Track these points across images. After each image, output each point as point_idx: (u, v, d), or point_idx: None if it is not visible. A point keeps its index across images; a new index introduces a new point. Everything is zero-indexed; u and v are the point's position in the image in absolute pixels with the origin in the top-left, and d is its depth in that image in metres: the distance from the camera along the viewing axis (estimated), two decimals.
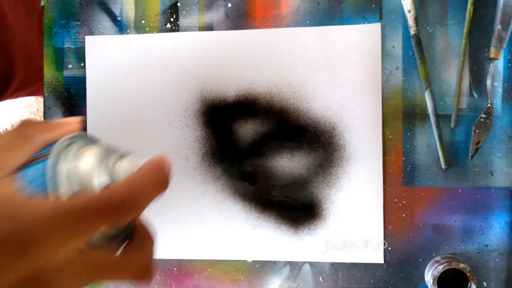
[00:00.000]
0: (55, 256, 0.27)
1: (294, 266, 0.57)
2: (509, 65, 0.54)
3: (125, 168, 0.31)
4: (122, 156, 0.32)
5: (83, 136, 0.33)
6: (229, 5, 0.58)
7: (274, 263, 0.58)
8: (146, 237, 0.33)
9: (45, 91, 0.60)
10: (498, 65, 0.54)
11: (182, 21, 0.58)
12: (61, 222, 0.27)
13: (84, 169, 0.30)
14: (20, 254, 0.26)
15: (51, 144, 0.31)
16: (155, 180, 0.31)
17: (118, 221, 0.28)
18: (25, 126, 0.32)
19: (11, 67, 0.72)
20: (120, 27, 0.59)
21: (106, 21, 0.59)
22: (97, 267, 0.29)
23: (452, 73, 0.55)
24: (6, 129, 1.49)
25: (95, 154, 0.31)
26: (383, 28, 0.55)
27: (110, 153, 0.32)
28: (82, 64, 0.60)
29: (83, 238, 0.27)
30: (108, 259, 0.30)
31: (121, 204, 0.28)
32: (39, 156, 0.31)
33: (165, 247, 0.59)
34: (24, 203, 0.27)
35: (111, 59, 0.59)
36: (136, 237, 0.33)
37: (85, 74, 0.60)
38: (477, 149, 0.53)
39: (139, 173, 0.30)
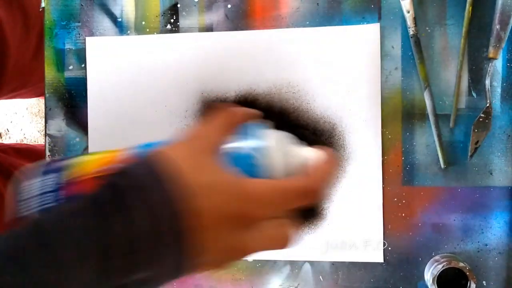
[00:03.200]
0: (265, 228, 0.33)
1: (295, 266, 0.58)
2: (508, 64, 0.54)
3: (306, 154, 0.36)
4: (296, 142, 0.37)
5: (259, 124, 0.38)
6: (229, 6, 0.58)
7: (274, 262, 0.58)
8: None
9: (46, 92, 0.61)
10: (497, 65, 0.54)
11: (182, 22, 0.59)
12: (276, 201, 0.33)
13: (279, 154, 0.35)
14: (243, 229, 0.32)
15: (238, 130, 0.36)
16: (333, 171, 0.37)
17: (313, 201, 0.34)
18: (226, 112, 0.37)
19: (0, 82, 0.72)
20: (121, 28, 0.60)
21: (106, 22, 0.60)
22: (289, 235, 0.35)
23: (451, 73, 0.55)
24: (7, 129, 1.49)
25: (280, 140, 0.36)
26: (382, 29, 0.55)
27: (288, 139, 0.37)
28: (82, 65, 0.60)
29: (287, 213, 0.34)
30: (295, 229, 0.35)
31: (317, 190, 0.34)
32: (234, 142, 0.35)
33: None
34: (247, 183, 0.32)
35: (111, 60, 0.59)
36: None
37: (85, 75, 0.60)
38: (476, 148, 0.53)
39: (324, 163, 0.36)
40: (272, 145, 0.35)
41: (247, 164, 0.34)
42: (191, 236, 0.30)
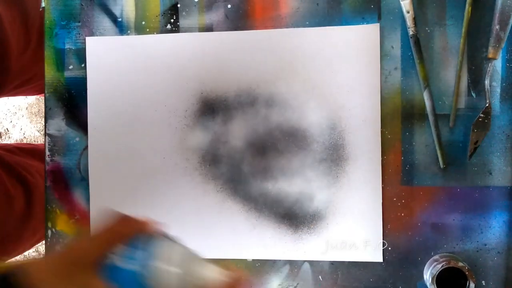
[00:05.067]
0: None
1: (294, 265, 0.58)
2: (507, 65, 0.54)
3: (206, 275, 0.33)
4: (199, 260, 0.34)
5: (160, 236, 0.34)
6: (229, 6, 0.58)
7: (274, 262, 0.58)
8: None
9: (46, 92, 0.61)
10: (497, 65, 0.54)
11: (182, 22, 0.59)
12: None
13: (171, 273, 0.32)
14: None
15: (130, 241, 0.33)
16: None
17: None
18: (114, 221, 0.34)
19: (2, 80, 0.72)
20: (121, 28, 0.60)
21: (106, 22, 0.60)
22: None
23: (451, 73, 0.55)
24: (7, 129, 1.49)
25: (177, 257, 0.33)
26: (382, 29, 0.55)
27: (189, 257, 0.34)
28: (82, 65, 0.60)
29: None
30: None
31: None
32: (122, 254, 0.32)
33: None
34: None
35: (111, 60, 0.59)
36: None
37: (85, 75, 0.60)
38: (475, 148, 0.54)
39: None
40: (165, 263, 0.32)
41: (130, 282, 0.31)
42: None
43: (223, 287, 0.33)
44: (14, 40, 0.70)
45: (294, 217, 0.57)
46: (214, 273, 0.33)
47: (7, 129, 1.50)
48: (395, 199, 0.56)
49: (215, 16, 0.58)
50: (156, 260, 0.32)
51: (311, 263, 0.57)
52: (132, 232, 0.34)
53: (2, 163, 0.76)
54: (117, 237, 0.33)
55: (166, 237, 0.35)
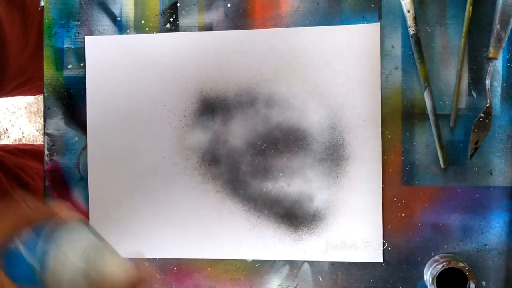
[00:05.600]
0: None
1: (294, 266, 0.58)
2: (508, 64, 0.54)
3: (108, 267, 0.32)
4: (104, 250, 0.32)
5: (69, 224, 0.33)
6: (229, 5, 0.58)
7: (273, 262, 0.58)
8: None
9: (45, 91, 0.61)
10: (497, 65, 0.54)
11: (182, 21, 0.59)
12: None
13: (70, 266, 0.30)
14: None
15: (37, 226, 0.31)
16: None
17: None
18: (15, 202, 0.32)
19: (0, 80, 0.72)
20: (120, 27, 0.59)
21: (105, 21, 0.60)
22: None
23: (451, 72, 0.55)
24: (6, 129, 1.49)
25: (79, 248, 0.31)
26: (382, 28, 0.55)
27: (93, 247, 0.32)
28: (82, 64, 0.60)
29: None
30: None
31: None
32: (24, 242, 0.31)
33: (165, 247, 0.59)
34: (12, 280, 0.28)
35: (111, 59, 0.59)
36: None
37: (85, 74, 0.60)
38: (476, 148, 0.53)
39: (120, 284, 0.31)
40: (65, 255, 0.31)
41: (26, 273, 0.30)
42: None
43: (121, 285, 0.32)
44: (12, 40, 0.70)
45: (294, 217, 0.57)
46: (117, 268, 0.32)
47: (6, 128, 1.49)
48: (395, 199, 0.56)
49: (215, 15, 0.58)
50: (56, 251, 0.31)
51: (311, 263, 0.57)
52: (42, 217, 0.32)
53: (1, 165, 0.75)
54: (24, 221, 0.31)
55: (79, 225, 0.33)
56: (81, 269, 0.31)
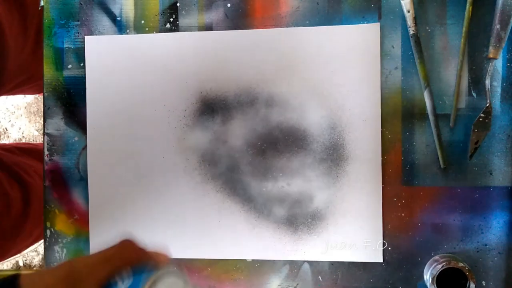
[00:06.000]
0: None
1: (294, 265, 0.58)
2: (508, 64, 0.54)
3: None
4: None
5: (169, 272, 0.34)
6: (229, 5, 0.58)
7: (273, 262, 0.58)
8: None
9: (45, 91, 0.61)
10: (497, 65, 0.54)
11: (182, 21, 0.59)
12: None
13: None
14: None
15: (137, 269, 0.33)
16: None
17: None
18: (124, 247, 0.33)
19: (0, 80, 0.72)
20: (120, 27, 0.59)
21: (105, 21, 0.60)
22: None
23: (451, 72, 0.55)
24: (5, 129, 1.49)
25: None
26: (382, 28, 0.55)
27: None
28: (81, 64, 0.60)
29: None
30: None
31: None
32: (128, 281, 0.32)
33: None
34: None
35: (110, 59, 0.59)
36: None
37: (84, 74, 0.60)
38: (476, 148, 0.53)
39: None
40: None
41: None
42: None
43: None
44: (12, 38, 0.70)
45: (294, 217, 0.57)
46: None
47: (6, 128, 1.49)
48: (395, 199, 0.56)
49: (215, 15, 0.58)
50: None
51: (311, 263, 0.57)
52: (139, 259, 0.33)
53: (0, 163, 0.75)
54: (123, 261, 0.33)
55: (175, 272, 0.35)
56: None
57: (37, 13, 0.73)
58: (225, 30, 0.58)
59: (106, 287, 0.32)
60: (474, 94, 0.54)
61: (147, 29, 0.59)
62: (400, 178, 0.56)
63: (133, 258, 0.33)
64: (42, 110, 0.61)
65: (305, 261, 0.57)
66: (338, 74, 0.56)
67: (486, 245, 0.55)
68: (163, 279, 0.33)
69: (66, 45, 0.60)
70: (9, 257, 0.79)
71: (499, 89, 0.54)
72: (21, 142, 1.47)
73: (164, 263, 0.35)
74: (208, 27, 0.58)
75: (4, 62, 0.70)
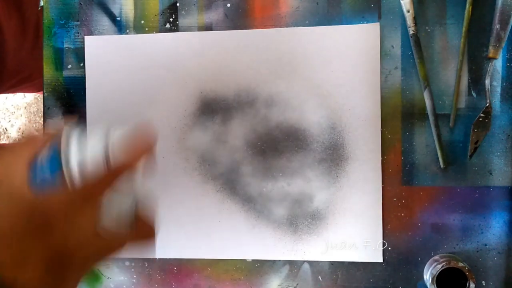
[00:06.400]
0: (74, 235, 0.32)
1: (294, 265, 0.58)
2: (508, 64, 0.54)
3: (117, 137, 0.35)
4: (113, 131, 0.36)
5: (77, 129, 0.36)
6: (228, 5, 0.58)
7: (273, 262, 0.58)
8: (146, 211, 0.38)
9: (44, 91, 0.61)
10: (497, 65, 0.54)
11: (182, 21, 0.59)
12: (74, 201, 0.32)
13: (80, 151, 0.34)
14: (43, 236, 0.31)
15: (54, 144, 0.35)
16: (143, 149, 0.36)
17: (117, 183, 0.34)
18: (28, 133, 0.36)
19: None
20: (120, 27, 0.59)
21: (105, 21, 0.60)
22: (110, 243, 0.34)
23: (451, 72, 0.55)
24: (5, 129, 1.49)
25: (90, 137, 0.35)
26: (382, 28, 0.55)
27: (104, 132, 0.36)
28: (81, 64, 0.60)
29: (94, 212, 0.33)
30: (119, 234, 0.35)
31: (118, 172, 0.34)
32: (46, 155, 0.34)
33: (165, 247, 0.59)
34: (40, 191, 0.32)
35: (110, 59, 0.59)
36: (139, 215, 0.37)
37: (84, 74, 0.60)
38: (475, 148, 0.53)
39: (130, 146, 0.35)
40: (68, 148, 0.34)
41: (47, 174, 0.33)
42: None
43: (133, 151, 0.35)
44: (10, 36, 0.70)
45: (294, 217, 0.57)
46: (123, 138, 0.35)
47: (5, 128, 1.49)
48: (395, 199, 0.56)
49: (215, 15, 0.58)
50: (64, 149, 0.34)
51: (311, 263, 0.57)
52: (50, 139, 0.36)
53: None
54: (38, 141, 0.35)
55: (73, 126, 0.37)
56: (93, 149, 0.34)
57: (36, 10, 0.73)
58: (225, 30, 0.58)
59: (31, 167, 0.33)
60: (474, 94, 0.54)
61: (147, 29, 0.59)
62: (400, 178, 0.56)
63: (41, 141, 0.35)
64: (42, 110, 0.61)
65: (305, 261, 0.57)
66: (338, 74, 0.56)
67: (486, 245, 0.55)
68: (74, 135, 0.35)
69: (66, 45, 0.60)
70: None
71: (499, 89, 0.54)
72: None
73: (73, 128, 0.37)
74: (208, 27, 0.58)
75: (3, 59, 0.70)
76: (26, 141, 0.36)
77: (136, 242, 0.36)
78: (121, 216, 0.35)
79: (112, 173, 0.34)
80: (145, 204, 0.37)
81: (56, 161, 0.34)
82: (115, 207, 0.35)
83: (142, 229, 0.37)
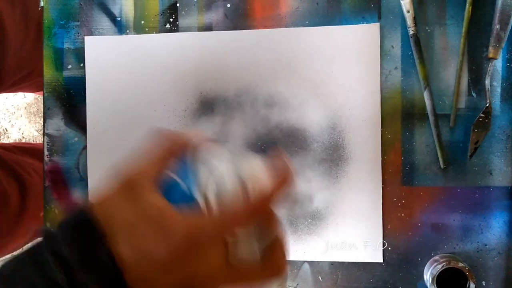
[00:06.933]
0: (208, 264, 0.31)
1: (294, 266, 0.58)
2: (508, 64, 0.54)
3: (253, 171, 0.34)
4: (244, 157, 0.35)
5: (212, 146, 0.35)
6: (228, 5, 0.58)
7: None
8: (279, 242, 0.36)
9: (44, 91, 0.61)
10: (497, 65, 0.54)
11: (182, 22, 0.59)
12: (211, 232, 0.31)
13: (221, 178, 0.33)
14: (179, 264, 0.30)
15: (181, 157, 0.34)
16: (283, 190, 0.34)
17: (257, 219, 0.33)
18: (161, 139, 0.34)
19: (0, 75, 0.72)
20: (120, 27, 0.59)
21: (105, 22, 0.60)
22: (241, 276, 0.33)
23: (451, 72, 0.55)
24: (5, 129, 1.49)
25: (226, 162, 0.33)
26: (382, 28, 0.55)
27: (238, 158, 0.34)
28: (81, 65, 0.60)
29: (231, 243, 0.32)
30: (251, 267, 0.33)
31: (261, 210, 0.33)
32: (178, 170, 0.33)
33: None
34: (177, 216, 0.30)
35: (110, 59, 0.59)
36: (272, 245, 0.35)
37: (84, 75, 0.60)
38: (475, 148, 0.53)
39: (270, 185, 0.34)
40: (210, 173, 0.33)
41: (184, 195, 0.32)
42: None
43: (275, 184, 0.34)
44: (12, 33, 0.70)
45: (293, 217, 0.57)
46: (261, 168, 0.34)
47: (5, 129, 1.49)
48: (395, 199, 0.56)
49: (215, 15, 0.58)
50: (203, 168, 0.33)
51: (311, 263, 0.57)
52: (182, 147, 0.34)
53: None
54: (169, 154, 0.34)
55: (214, 145, 0.36)
56: (232, 178, 0.33)
57: (38, 8, 0.73)
58: (225, 30, 0.58)
59: (161, 182, 0.32)
60: (474, 94, 0.54)
61: (147, 29, 0.59)
62: (400, 178, 0.55)
63: (174, 148, 0.34)
64: (42, 110, 0.61)
65: (305, 261, 0.57)
66: (338, 74, 0.56)
67: (486, 245, 0.55)
68: (210, 154, 0.34)
69: (66, 45, 0.60)
70: (7, 254, 0.79)
71: (498, 89, 0.54)
72: (20, 142, 1.47)
73: (205, 142, 0.36)
74: (208, 28, 0.58)
75: (4, 57, 0.70)
76: (157, 147, 0.34)
77: (268, 276, 0.34)
78: (255, 250, 0.34)
79: (253, 207, 0.32)
80: (279, 237, 0.36)
81: (193, 183, 0.32)
82: (251, 240, 0.33)
83: (274, 263, 0.35)
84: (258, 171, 0.34)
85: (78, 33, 0.60)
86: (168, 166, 0.33)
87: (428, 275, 0.52)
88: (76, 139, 0.60)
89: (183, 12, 0.58)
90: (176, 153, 0.34)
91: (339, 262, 0.57)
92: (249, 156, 0.35)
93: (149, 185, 0.31)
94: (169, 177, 0.33)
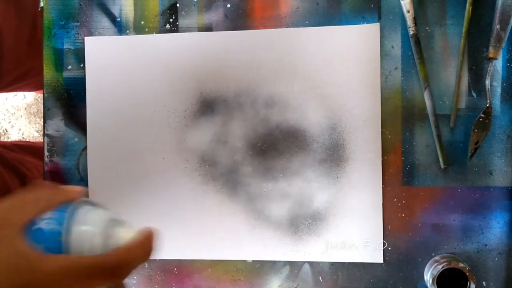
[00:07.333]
0: None
1: (294, 266, 0.58)
2: (508, 64, 0.54)
3: (123, 235, 0.37)
4: (120, 223, 0.38)
5: (87, 202, 0.38)
6: (228, 5, 0.58)
7: (274, 263, 0.58)
8: None
9: (44, 92, 0.61)
10: (497, 65, 0.54)
11: (182, 22, 0.59)
12: (71, 277, 0.32)
13: (90, 233, 0.36)
14: None
15: (57, 207, 0.36)
16: (145, 253, 0.37)
17: (113, 281, 0.35)
18: (35, 188, 0.36)
19: None
20: (120, 28, 0.59)
21: (105, 22, 0.60)
22: None
23: (451, 73, 0.55)
24: (5, 130, 1.49)
25: (99, 220, 0.37)
26: (382, 28, 0.55)
27: (111, 220, 0.37)
28: (81, 65, 0.60)
29: None
30: None
31: (118, 269, 0.35)
32: (48, 218, 0.35)
33: (165, 248, 0.59)
34: (38, 259, 0.32)
35: (110, 60, 0.59)
36: None
37: (84, 75, 0.60)
38: (476, 148, 0.53)
39: (133, 244, 0.36)
40: (86, 225, 0.36)
41: (52, 241, 0.34)
42: None
43: (134, 244, 0.36)
44: (7, 31, 0.70)
45: (294, 217, 0.57)
46: (130, 234, 0.37)
47: (5, 129, 1.49)
48: (395, 199, 0.56)
49: (215, 15, 0.58)
50: (77, 221, 0.35)
51: (311, 264, 0.57)
52: (60, 200, 0.36)
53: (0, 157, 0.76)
54: (45, 203, 0.35)
55: (91, 203, 0.38)
56: (100, 236, 0.36)
57: (33, 6, 0.73)
58: (225, 30, 0.58)
59: (30, 228, 0.34)
60: (474, 94, 0.54)
61: (146, 29, 0.59)
62: (400, 178, 0.55)
63: (54, 199, 0.36)
64: (42, 111, 0.61)
65: (305, 261, 0.57)
66: (338, 74, 0.56)
67: (486, 245, 0.55)
68: (83, 208, 0.37)
69: (66, 46, 0.60)
70: None
71: (499, 89, 0.54)
72: (19, 140, 1.47)
73: (78, 196, 0.38)
74: (208, 28, 0.58)
75: (1, 54, 0.70)
76: (32, 196, 0.35)
77: None
78: None
79: (108, 263, 0.34)
80: None
81: (58, 230, 0.34)
82: None
83: None
84: (124, 234, 0.37)
85: (78, 34, 0.60)
86: (42, 213, 0.34)
87: (428, 275, 0.52)
88: (76, 139, 0.60)
89: (183, 13, 0.58)
90: (53, 203, 0.35)
91: (340, 262, 0.57)
92: (121, 221, 0.38)
93: (17, 229, 0.33)
94: (40, 225, 0.34)
